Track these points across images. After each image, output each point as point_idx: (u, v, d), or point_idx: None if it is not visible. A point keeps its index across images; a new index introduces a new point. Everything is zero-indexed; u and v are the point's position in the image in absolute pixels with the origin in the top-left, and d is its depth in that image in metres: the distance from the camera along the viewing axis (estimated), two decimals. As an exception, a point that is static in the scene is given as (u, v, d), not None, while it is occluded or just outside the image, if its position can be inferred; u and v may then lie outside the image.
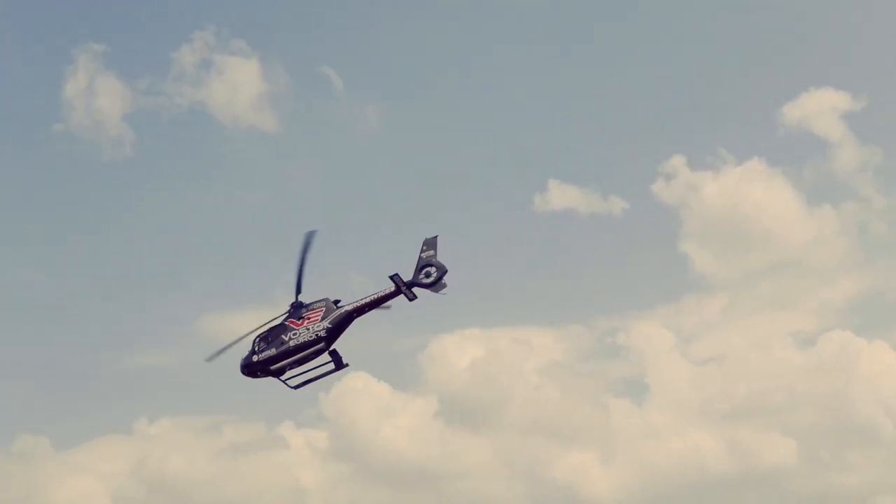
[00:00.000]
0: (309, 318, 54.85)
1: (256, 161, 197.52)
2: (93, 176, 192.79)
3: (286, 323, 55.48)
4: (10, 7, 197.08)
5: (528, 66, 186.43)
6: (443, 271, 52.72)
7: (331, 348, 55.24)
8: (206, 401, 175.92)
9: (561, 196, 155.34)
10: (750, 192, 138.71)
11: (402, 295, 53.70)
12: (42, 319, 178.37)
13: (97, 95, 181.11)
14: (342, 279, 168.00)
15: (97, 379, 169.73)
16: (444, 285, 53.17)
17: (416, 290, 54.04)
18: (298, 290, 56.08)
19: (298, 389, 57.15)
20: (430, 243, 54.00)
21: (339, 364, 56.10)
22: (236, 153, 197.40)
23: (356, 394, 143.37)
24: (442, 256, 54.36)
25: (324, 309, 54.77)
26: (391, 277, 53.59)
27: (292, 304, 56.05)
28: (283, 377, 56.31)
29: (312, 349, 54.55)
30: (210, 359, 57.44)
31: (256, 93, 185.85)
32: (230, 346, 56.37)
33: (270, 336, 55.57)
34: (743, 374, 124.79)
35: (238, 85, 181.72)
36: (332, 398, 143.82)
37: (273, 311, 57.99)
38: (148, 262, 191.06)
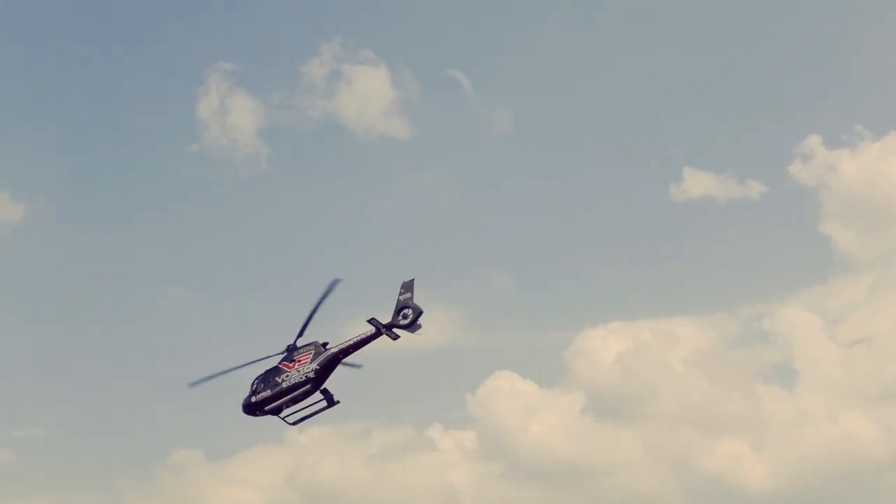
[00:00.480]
0: (300, 361, 58.96)
1: (391, 169, 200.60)
2: (231, 193, 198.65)
3: (279, 366, 59.62)
4: (140, 34, 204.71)
5: (655, 55, 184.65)
6: (418, 313, 56.05)
7: (322, 387, 59.28)
8: (355, 407, 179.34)
9: (697, 183, 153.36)
10: (889, 167, 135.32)
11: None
12: (189, 335, 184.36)
13: (230, 113, 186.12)
14: (484, 280, 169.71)
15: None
16: (420, 326, 56.62)
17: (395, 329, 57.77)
18: (300, 334, 59.92)
19: (297, 426, 61.66)
20: (408, 286, 57.15)
21: (330, 402, 60.22)
22: (370, 162, 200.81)
23: (503, 393, 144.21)
24: (418, 299, 57.44)
25: (313, 352, 58.74)
26: (369, 321, 57.26)
27: (287, 346, 59.89)
28: (282, 415, 60.52)
29: (303, 390, 58.63)
30: (194, 384, 62.35)
31: (387, 100, 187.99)
32: (216, 375, 60.81)
33: (266, 378, 59.78)
34: (893, 355, 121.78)
35: (368, 94, 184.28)
36: (479, 398, 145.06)
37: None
38: (291, 274, 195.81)
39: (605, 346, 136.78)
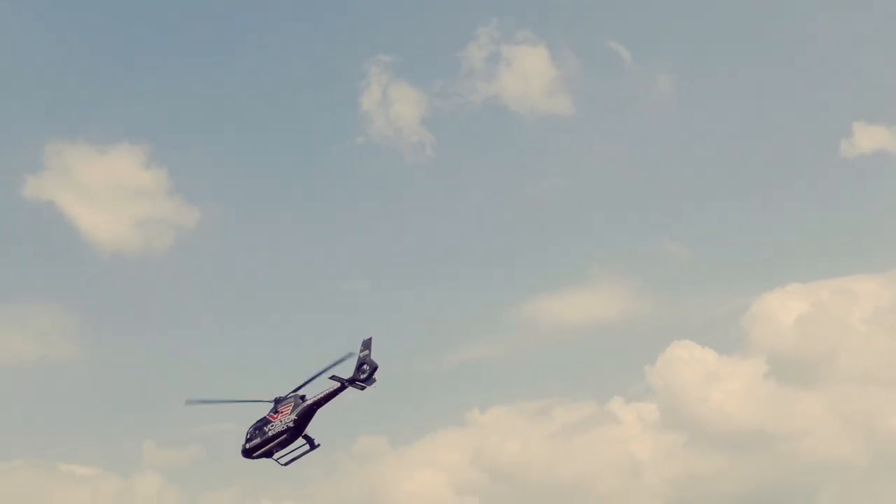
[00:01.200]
0: (282, 413, 68.60)
1: (556, 146, 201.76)
2: (399, 182, 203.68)
3: (267, 416, 69.34)
4: (299, 32, 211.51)
5: (821, 7, 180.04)
6: (374, 368, 65.02)
7: (303, 433, 68.59)
8: (534, 386, 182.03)
9: (869, 138, 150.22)
10: None
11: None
12: (366, 326, 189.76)
13: (393, 104, 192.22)
14: (657, 249, 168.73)
15: (427, 375, 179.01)
16: (375, 380, 65.69)
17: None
18: (296, 389, 69.26)
19: (287, 466, 70.89)
20: (366, 344, 65.82)
21: (311, 445, 69.78)
22: (535, 141, 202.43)
23: (682, 363, 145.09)
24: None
25: (292, 405, 68.19)
26: (332, 378, 66.69)
27: (275, 398, 69.54)
28: (274, 457, 70.16)
29: (284, 437, 68.08)
30: (190, 402, 72.46)
31: (548, 78, 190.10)
32: (215, 402, 71.54)
33: (257, 427, 69.31)
34: None
35: (529, 73, 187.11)
36: (658, 369, 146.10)
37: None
38: (462, 255, 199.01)
39: (784, 309, 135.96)
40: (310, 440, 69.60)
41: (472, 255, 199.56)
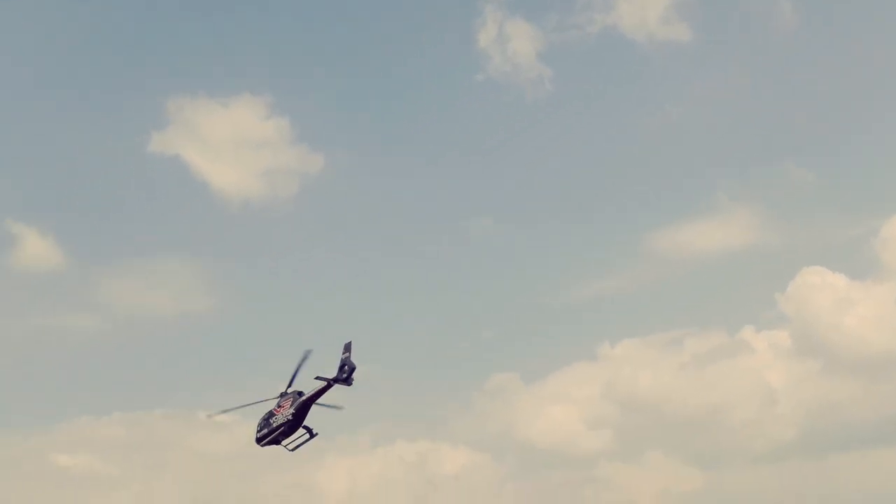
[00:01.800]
0: (283, 407, 77.86)
1: (677, 74, 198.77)
2: (520, 117, 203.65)
3: (272, 410, 78.95)
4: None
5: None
6: (352, 369, 73.07)
7: (302, 423, 77.96)
8: (664, 317, 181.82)
9: None
10: None
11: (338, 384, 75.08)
12: (493, 260, 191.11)
13: (510, 41, 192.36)
14: (783, 175, 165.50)
15: (556, 311, 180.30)
16: (353, 380, 73.82)
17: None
18: (290, 384, 78.77)
19: (294, 451, 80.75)
20: (347, 347, 74.12)
21: (311, 434, 79.08)
22: (654, 70, 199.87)
23: (814, 289, 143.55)
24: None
25: (291, 400, 77.29)
26: (317, 378, 75.56)
27: (281, 393, 78.62)
28: (282, 444, 79.92)
29: (285, 428, 77.41)
30: (211, 415, 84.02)
31: (665, 5, 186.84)
32: (239, 407, 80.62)
33: (265, 419, 78.81)
34: None
35: (646, 1, 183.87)
36: (789, 296, 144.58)
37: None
38: (586, 189, 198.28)
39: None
40: (308, 430, 79.10)
41: (595, 188, 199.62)
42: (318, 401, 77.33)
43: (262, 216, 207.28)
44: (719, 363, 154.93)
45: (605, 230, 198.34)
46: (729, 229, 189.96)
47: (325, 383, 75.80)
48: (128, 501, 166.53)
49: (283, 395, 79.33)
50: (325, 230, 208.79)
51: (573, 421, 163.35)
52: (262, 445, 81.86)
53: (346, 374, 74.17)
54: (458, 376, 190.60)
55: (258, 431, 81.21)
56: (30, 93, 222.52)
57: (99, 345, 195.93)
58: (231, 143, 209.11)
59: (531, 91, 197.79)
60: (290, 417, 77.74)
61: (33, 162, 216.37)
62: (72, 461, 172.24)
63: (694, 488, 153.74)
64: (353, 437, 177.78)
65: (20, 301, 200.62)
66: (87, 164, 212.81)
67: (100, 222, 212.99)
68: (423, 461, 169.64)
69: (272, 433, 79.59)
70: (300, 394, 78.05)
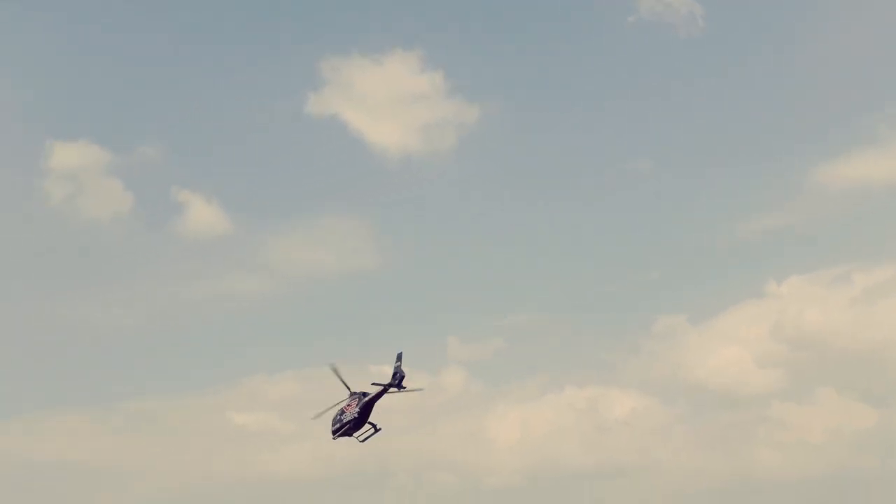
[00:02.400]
0: (350, 406, 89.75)
1: (830, 4, 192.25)
2: (674, 56, 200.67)
3: (343, 408, 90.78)
4: None
5: None
6: (402, 376, 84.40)
7: (367, 420, 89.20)
8: (830, 253, 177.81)
9: None
10: None
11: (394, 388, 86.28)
12: (654, 205, 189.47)
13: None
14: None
15: (721, 250, 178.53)
16: (405, 386, 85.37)
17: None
18: (348, 388, 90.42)
19: (364, 442, 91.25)
20: (399, 357, 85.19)
21: (375, 429, 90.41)
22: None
23: None
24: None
25: (357, 401, 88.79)
26: (374, 384, 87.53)
27: (350, 393, 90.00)
28: (354, 436, 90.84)
29: (352, 424, 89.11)
30: (315, 417, 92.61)
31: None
32: (330, 408, 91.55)
33: (339, 415, 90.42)
34: None
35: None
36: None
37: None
38: (743, 126, 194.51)
39: None
40: (373, 425, 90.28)
41: (753, 125, 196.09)
42: (403, 389, 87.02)
43: (422, 171, 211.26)
44: (891, 297, 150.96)
45: (765, 167, 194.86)
46: (893, 159, 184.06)
47: (381, 388, 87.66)
48: (304, 456, 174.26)
49: (352, 395, 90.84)
50: (485, 181, 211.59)
51: (742, 361, 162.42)
52: (335, 438, 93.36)
53: (398, 381, 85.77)
54: (625, 320, 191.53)
55: (333, 426, 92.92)
56: (187, 62, 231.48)
57: (268, 305, 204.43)
58: (387, 100, 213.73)
59: (684, 29, 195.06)
60: (356, 415, 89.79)
61: (194, 130, 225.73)
62: (248, 418, 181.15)
63: (867, 426, 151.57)
64: (522, 386, 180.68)
65: (190, 266, 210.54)
66: (246, 128, 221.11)
67: (262, 185, 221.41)
68: (593, 407, 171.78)
69: (343, 427, 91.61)
70: (364, 395, 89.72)
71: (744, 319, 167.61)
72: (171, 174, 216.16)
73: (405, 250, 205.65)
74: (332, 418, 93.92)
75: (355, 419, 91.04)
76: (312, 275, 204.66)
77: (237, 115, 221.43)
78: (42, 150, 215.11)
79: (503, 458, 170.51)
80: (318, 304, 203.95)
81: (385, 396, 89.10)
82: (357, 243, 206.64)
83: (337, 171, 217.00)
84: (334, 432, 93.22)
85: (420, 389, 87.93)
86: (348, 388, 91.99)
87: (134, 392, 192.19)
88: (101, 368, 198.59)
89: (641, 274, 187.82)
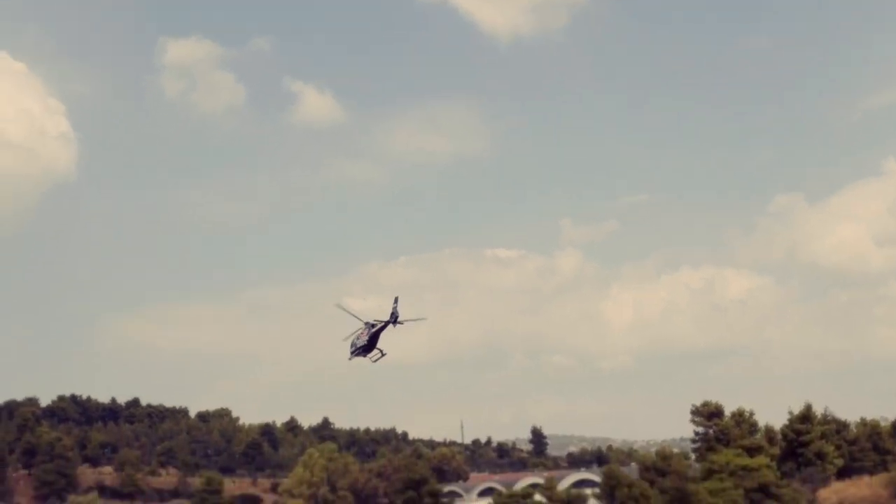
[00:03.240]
0: (363, 333, 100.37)
1: None
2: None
3: (359, 334, 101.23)
4: None
5: None
6: (397, 316, 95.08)
7: (376, 346, 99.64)
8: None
9: None
10: None
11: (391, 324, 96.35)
12: (769, 83, 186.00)
13: None
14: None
15: (838, 128, 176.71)
16: (402, 322, 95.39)
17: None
18: (360, 319, 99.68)
19: (376, 363, 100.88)
20: (396, 300, 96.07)
21: (382, 353, 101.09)
22: None
23: None
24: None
25: (367, 330, 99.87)
26: (376, 320, 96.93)
27: (364, 323, 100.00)
28: (367, 357, 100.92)
29: (364, 348, 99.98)
30: (345, 339, 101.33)
31: None
32: (351, 335, 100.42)
33: (354, 341, 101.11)
34: None
35: None
36: None
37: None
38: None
39: None
40: (380, 350, 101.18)
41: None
42: (407, 320, 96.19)
43: (534, 52, 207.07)
44: None
45: (891, 41, 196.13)
46: None
47: (382, 324, 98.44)
48: (422, 337, 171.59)
49: (365, 324, 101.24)
50: (597, 61, 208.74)
51: (860, 239, 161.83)
52: (350, 359, 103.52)
53: (393, 320, 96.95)
54: (741, 200, 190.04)
55: (350, 348, 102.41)
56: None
57: (381, 192, 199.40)
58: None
59: None
60: (366, 342, 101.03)
61: (305, 21, 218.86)
62: (366, 304, 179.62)
63: None
64: (637, 267, 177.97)
65: (304, 156, 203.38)
66: (357, 17, 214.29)
67: (373, 73, 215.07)
68: (708, 287, 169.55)
69: (357, 350, 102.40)
70: (373, 325, 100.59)
71: (862, 197, 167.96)
72: (283, 65, 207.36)
73: (517, 134, 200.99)
74: (351, 341, 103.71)
75: (365, 345, 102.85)
76: (424, 161, 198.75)
77: (347, 4, 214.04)
78: (155, 47, 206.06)
79: (618, 340, 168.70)
80: (430, 190, 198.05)
81: None
82: (468, 128, 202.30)
83: (447, 56, 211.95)
84: (351, 354, 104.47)
85: (421, 319, 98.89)
86: (360, 320, 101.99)
87: (255, 282, 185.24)
88: (222, 260, 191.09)
89: (758, 153, 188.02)
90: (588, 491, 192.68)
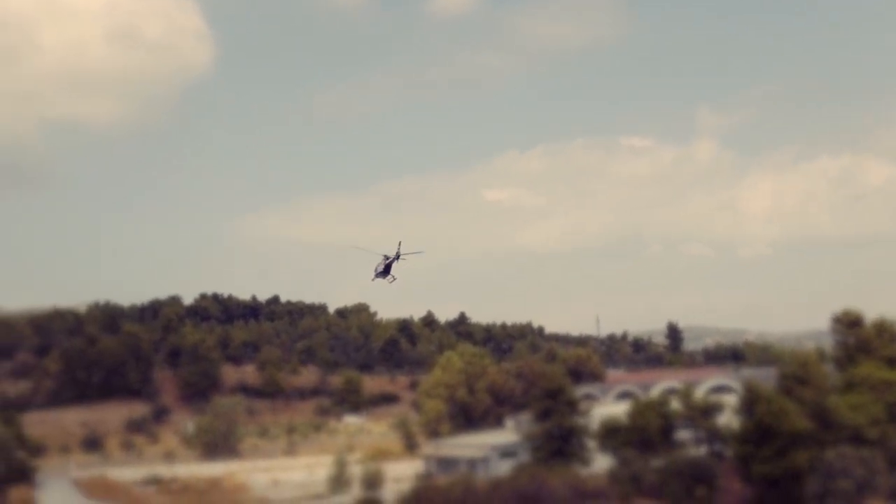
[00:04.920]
0: (381, 263, 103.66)
1: None
2: None
3: (379, 264, 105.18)
4: None
5: None
6: (399, 255, 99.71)
7: (389, 274, 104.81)
8: None
9: None
10: None
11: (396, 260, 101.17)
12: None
13: None
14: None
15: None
16: (405, 258, 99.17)
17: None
18: (386, 258, 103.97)
19: (393, 283, 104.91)
20: (399, 245, 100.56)
21: (395, 278, 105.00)
22: None
23: None
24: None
25: (384, 260, 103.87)
26: (385, 255, 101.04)
27: (384, 256, 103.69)
28: (385, 279, 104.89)
29: (381, 273, 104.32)
30: (356, 247, 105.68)
31: None
32: (371, 252, 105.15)
33: (377, 267, 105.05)
34: None
35: None
36: None
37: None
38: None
39: None
40: (393, 276, 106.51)
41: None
42: (407, 257, 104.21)
43: None
44: None
45: None
46: None
47: (390, 259, 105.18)
48: (556, 229, 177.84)
49: (385, 257, 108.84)
50: None
51: None
52: (372, 280, 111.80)
53: (397, 257, 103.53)
54: (882, 86, 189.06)
55: (374, 272, 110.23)
56: None
57: (515, 81, 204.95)
58: None
59: None
60: (380, 269, 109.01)
61: None
62: (500, 195, 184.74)
63: None
64: (775, 155, 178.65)
65: (437, 47, 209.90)
66: None
67: None
68: (847, 175, 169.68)
69: (376, 275, 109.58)
70: (387, 257, 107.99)
71: None
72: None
73: (651, 19, 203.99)
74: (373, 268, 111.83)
75: (381, 272, 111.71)
76: (559, 49, 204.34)
77: None
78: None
79: (755, 229, 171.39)
80: (564, 79, 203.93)
81: None
82: (602, 15, 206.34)
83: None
84: (375, 276, 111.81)
85: (419, 252, 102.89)
86: (377, 254, 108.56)
87: (391, 174, 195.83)
88: (359, 152, 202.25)
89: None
90: (726, 398, 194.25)
